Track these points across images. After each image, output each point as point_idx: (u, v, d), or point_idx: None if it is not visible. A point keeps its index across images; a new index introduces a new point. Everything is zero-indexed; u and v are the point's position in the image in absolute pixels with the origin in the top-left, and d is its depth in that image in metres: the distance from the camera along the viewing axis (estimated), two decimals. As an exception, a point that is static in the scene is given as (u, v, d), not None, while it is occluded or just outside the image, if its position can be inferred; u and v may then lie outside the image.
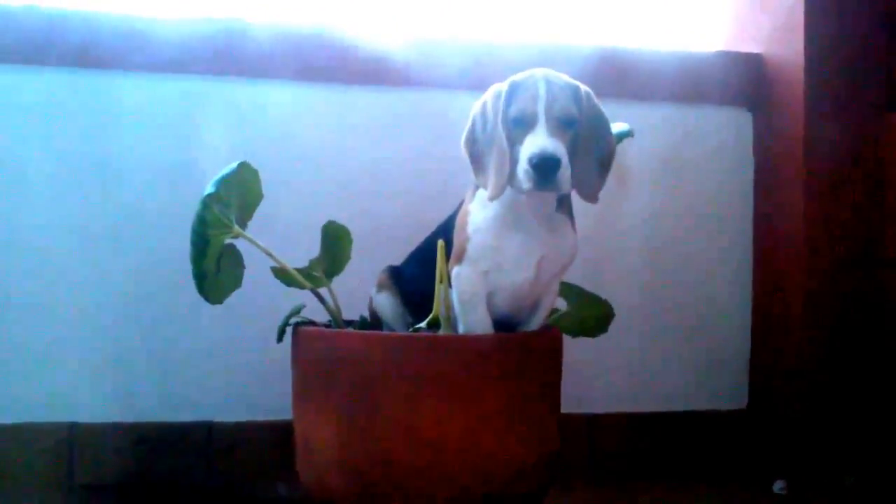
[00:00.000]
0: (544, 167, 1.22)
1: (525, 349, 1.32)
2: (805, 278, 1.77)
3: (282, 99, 1.77)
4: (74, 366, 1.68)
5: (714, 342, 1.94)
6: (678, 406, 1.91)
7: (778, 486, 1.76)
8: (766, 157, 1.91)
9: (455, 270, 1.32)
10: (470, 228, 1.31)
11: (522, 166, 1.23)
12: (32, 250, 1.66)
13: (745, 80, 1.92)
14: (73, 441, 1.66)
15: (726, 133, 1.95)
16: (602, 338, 1.54)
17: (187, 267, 1.32)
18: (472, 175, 1.32)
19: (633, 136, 1.51)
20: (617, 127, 1.37)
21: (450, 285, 1.33)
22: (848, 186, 1.78)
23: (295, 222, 1.69)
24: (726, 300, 1.95)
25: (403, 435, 1.25)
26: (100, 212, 1.69)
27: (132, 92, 1.71)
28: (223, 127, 1.73)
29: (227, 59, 1.73)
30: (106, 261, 1.69)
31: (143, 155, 1.71)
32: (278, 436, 1.63)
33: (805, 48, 1.77)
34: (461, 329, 1.32)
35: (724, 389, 1.94)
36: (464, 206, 1.35)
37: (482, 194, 1.30)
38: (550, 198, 1.31)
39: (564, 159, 1.23)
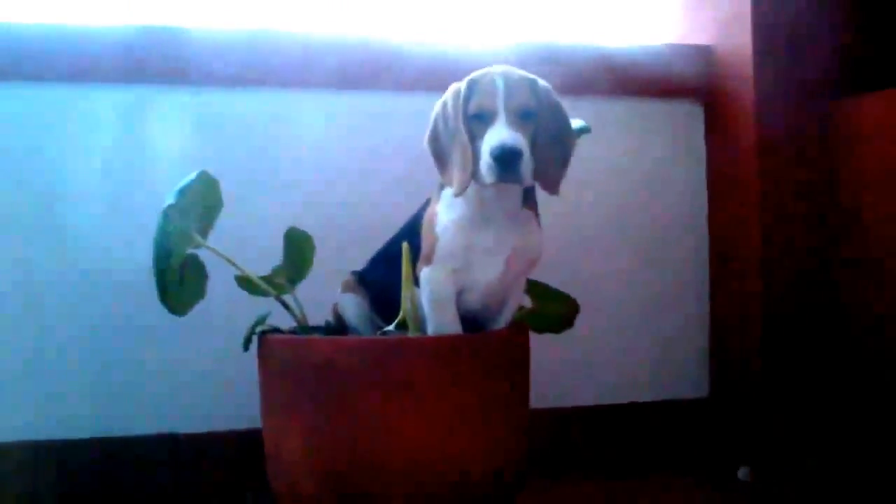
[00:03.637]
0: (506, 159, 1.23)
1: (494, 348, 1.32)
2: (761, 267, 1.79)
3: (238, 106, 1.75)
4: (36, 383, 1.65)
5: (674, 332, 1.96)
6: (641, 397, 1.93)
7: (742, 472, 1.78)
8: (719, 149, 1.93)
9: (424, 271, 1.32)
10: (438, 228, 1.31)
11: (485, 160, 1.24)
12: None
13: (696, 73, 1.94)
14: (37, 459, 1.63)
15: (678, 126, 1.97)
16: (564, 333, 1.55)
17: (150, 278, 1.31)
18: (436, 175, 1.32)
19: (590, 131, 1.52)
20: (574, 123, 1.38)
21: (417, 286, 1.33)
22: (801, 175, 1.80)
23: (257, 230, 1.67)
24: (684, 290, 1.97)
25: (375, 439, 1.24)
26: (50, 224, 1.66)
27: (83, 103, 1.69)
28: (180, 136, 1.71)
29: (175, 66, 1.71)
30: (63, 274, 1.66)
31: (97, 169, 1.69)
32: (245, 446, 1.62)
33: (753, 38, 1.78)
34: (430, 330, 1.32)
35: (686, 378, 1.96)
36: (430, 207, 1.35)
37: (448, 194, 1.31)
38: (516, 194, 1.32)
39: (525, 151, 1.24)
